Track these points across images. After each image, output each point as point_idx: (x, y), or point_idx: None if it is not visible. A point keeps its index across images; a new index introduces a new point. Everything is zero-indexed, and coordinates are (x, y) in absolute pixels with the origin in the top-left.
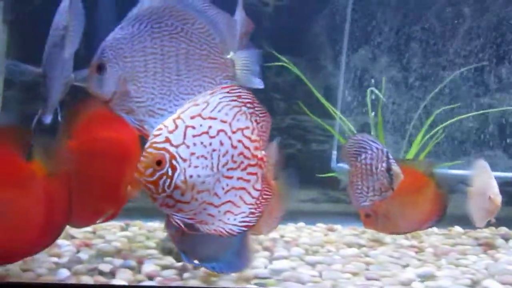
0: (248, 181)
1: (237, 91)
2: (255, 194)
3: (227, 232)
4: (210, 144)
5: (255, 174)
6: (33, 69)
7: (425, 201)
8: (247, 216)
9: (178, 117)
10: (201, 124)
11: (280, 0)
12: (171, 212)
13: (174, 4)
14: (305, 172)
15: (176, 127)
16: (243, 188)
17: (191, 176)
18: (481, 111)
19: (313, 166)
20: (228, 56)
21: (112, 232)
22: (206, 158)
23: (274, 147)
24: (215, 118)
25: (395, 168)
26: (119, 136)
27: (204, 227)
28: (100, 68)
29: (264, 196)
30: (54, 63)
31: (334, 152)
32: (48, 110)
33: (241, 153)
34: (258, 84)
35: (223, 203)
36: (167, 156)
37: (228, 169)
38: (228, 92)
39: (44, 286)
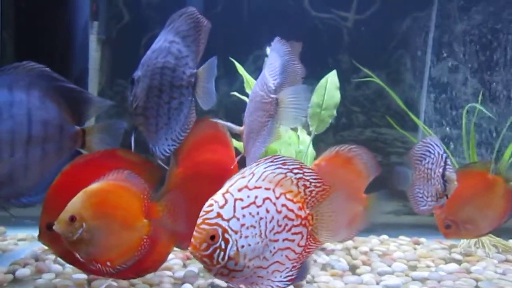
0: (292, 240)
1: (281, 159)
2: (299, 250)
3: None
4: (258, 213)
5: (300, 233)
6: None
7: (498, 198)
8: (290, 271)
9: (227, 191)
10: (248, 195)
11: (360, 14)
12: (225, 280)
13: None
14: (385, 184)
15: (226, 201)
16: (288, 248)
17: (242, 246)
18: None
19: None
20: (275, 96)
21: None
22: (254, 227)
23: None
24: (260, 187)
25: (449, 174)
26: (218, 158)
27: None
28: None
29: (307, 250)
30: (170, 102)
31: None
32: (156, 144)
33: (286, 216)
34: (299, 123)
35: (271, 264)
36: (220, 230)
37: (274, 233)
38: (272, 162)
39: None
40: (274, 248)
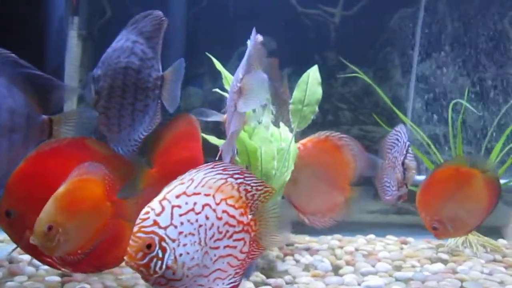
0: (234, 247)
1: (221, 165)
2: (241, 256)
3: None
4: (197, 220)
5: (242, 239)
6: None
7: (478, 190)
8: (233, 277)
9: (164, 198)
10: (186, 202)
11: (347, 10)
12: None
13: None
14: (373, 183)
15: (163, 208)
16: (230, 255)
17: (181, 255)
18: None
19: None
20: (240, 84)
21: None
22: (193, 235)
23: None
24: (199, 193)
25: (408, 162)
26: (191, 155)
27: None
28: None
29: (251, 256)
30: (135, 104)
31: None
32: (118, 144)
33: (227, 223)
34: (253, 106)
35: (212, 272)
36: (157, 239)
37: (215, 241)
38: (212, 168)
39: None
40: (215, 255)
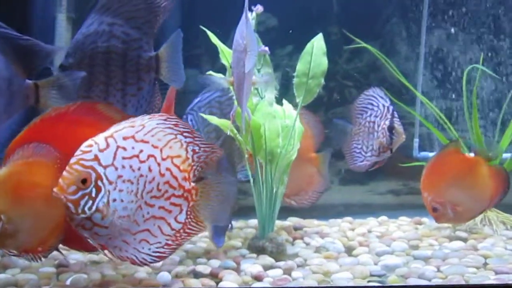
0: (169, 211)
1: (174, 120)
2: (176, 226)
3: (140, 261)
4: (139, 168)
5: (179, 205)
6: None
7: (483, 179)
8: (162, 247)
9: (111, 136)
10: (133, 147)
11: None
12: (85, 235)
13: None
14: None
15: (108, 146)
16: (163, 218)
17: (114, 200)
18: None
19: (392, 155)
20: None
21: None
22: (132, 183)
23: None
24: (147, 142)
25: (397, 127)
26: None
27: (117, 253)
28: None
29: (187, 230)
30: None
31: (416, 140)
32: None
33: (167, 182)
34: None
35: (140, 231)
36: (94, 175)
37: (151, 197)
38: (165, 120)
39: None
40: (148, 213)
